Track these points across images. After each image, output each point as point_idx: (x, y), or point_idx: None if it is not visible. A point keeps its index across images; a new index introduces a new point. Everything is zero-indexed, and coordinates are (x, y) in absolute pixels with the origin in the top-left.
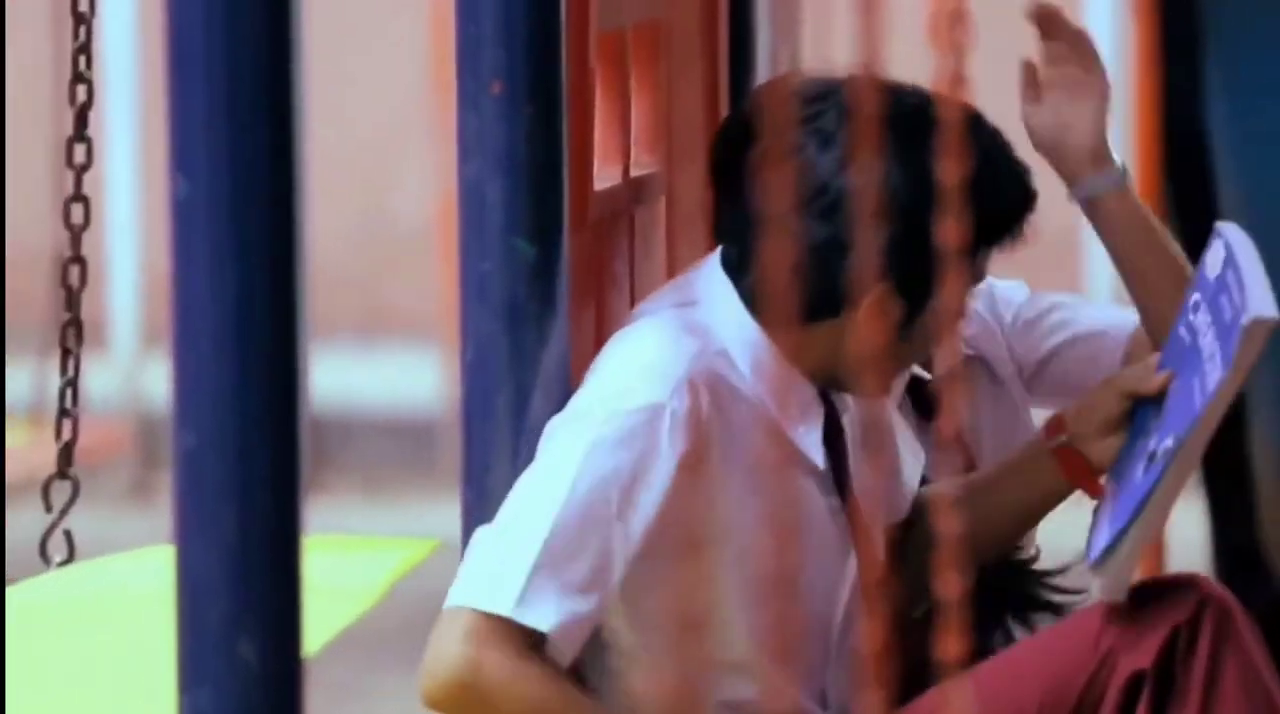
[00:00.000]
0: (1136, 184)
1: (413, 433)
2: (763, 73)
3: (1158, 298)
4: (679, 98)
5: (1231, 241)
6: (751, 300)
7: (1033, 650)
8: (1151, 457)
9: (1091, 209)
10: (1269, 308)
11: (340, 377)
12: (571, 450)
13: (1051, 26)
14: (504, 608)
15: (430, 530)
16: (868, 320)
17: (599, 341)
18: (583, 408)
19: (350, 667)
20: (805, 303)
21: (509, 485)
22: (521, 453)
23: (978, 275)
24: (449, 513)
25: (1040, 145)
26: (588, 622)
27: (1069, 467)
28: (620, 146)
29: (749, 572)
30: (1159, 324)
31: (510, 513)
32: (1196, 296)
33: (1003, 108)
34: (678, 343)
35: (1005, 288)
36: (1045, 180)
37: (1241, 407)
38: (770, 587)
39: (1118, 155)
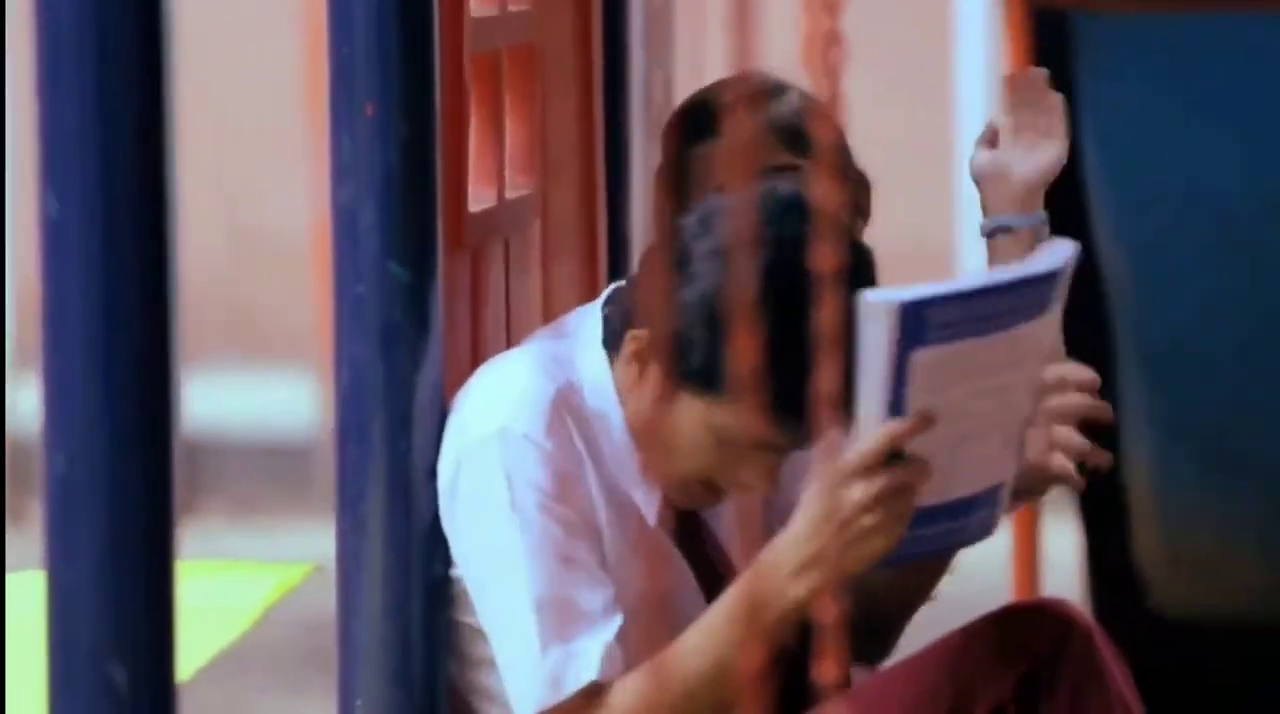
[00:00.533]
0: None
1: (288, 456)
2: (637, 94)
3: None
4: (554, 119)
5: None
6: (610, 346)
7: (897, 679)
8: None
9: (993, 245)
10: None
11: (214, 400)
12: (488, 510)
13: (1028, 92)
14: (550, 697)
15: (306, 555)
16: (626, 367)
17: (474, 364)
18: (460, 454)
19: (226, 690)
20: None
21: (384, 509)
22: (397, 478)
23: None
24: (325, 537)
25: (976, 173)
26: (617, 631)
27: None
28: (495, 168)
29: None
30: None
31: (492, 608)
32: None
33: (879, 123)
34: (543, 370)
35: None
36: (925, 196)
37: (1115, 430)
38: (633, 615)
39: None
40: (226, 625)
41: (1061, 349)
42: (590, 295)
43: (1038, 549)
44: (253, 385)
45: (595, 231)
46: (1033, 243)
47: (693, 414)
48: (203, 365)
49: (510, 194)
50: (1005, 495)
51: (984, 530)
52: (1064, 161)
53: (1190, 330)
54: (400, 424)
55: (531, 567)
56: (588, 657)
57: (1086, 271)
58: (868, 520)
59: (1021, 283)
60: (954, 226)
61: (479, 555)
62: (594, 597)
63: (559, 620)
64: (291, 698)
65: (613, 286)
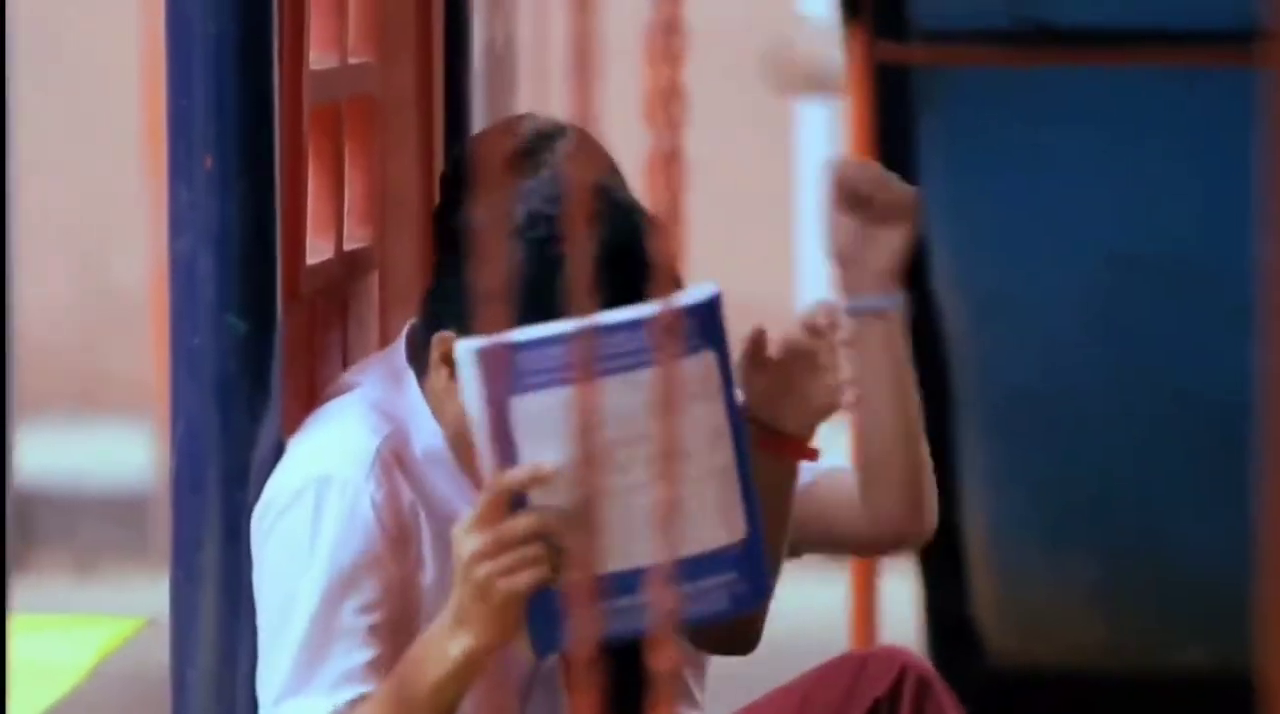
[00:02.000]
0: None
1: (125, 510)
2: None
3: (877, 429)
4: (393, 171)
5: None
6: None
7: None
8: None
9: (858, 326)
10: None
11: (51, 452)
12: (283, 552)
13: (867, 184)
14: None
15: (144, 609)
16: (436, 372)
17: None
18: (276, 496)
19: None
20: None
21: (219, 561)
22: (233, 530)
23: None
24: (164, 591)
25: (836, 253)
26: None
27: (779, 447)
28: (334, 220)
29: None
30: (869, 450)
31: (263, 635)
32: None
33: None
34: (369, 423)
35: None
36: (765, 248)
37: (953, 484)
38: None
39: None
40: (55, 680)
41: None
42: None
43: (875, 602)
44: (92, 438)
45: None
46: (896, 324)
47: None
48: (42, 418)
49: (349, 246)
50: (749, 564)
51: (724, 603)
52: (912, 244)
53: (1028, 384)
54: (236, 476)
55: (307, 610)
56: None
57: (926, 321)
58: (482, 569)
59: (633, 324)
60: (793, 276)
61: (267, 587)
62: (350, 658)
63: (304, 674)
64: None
65: (406, 327)
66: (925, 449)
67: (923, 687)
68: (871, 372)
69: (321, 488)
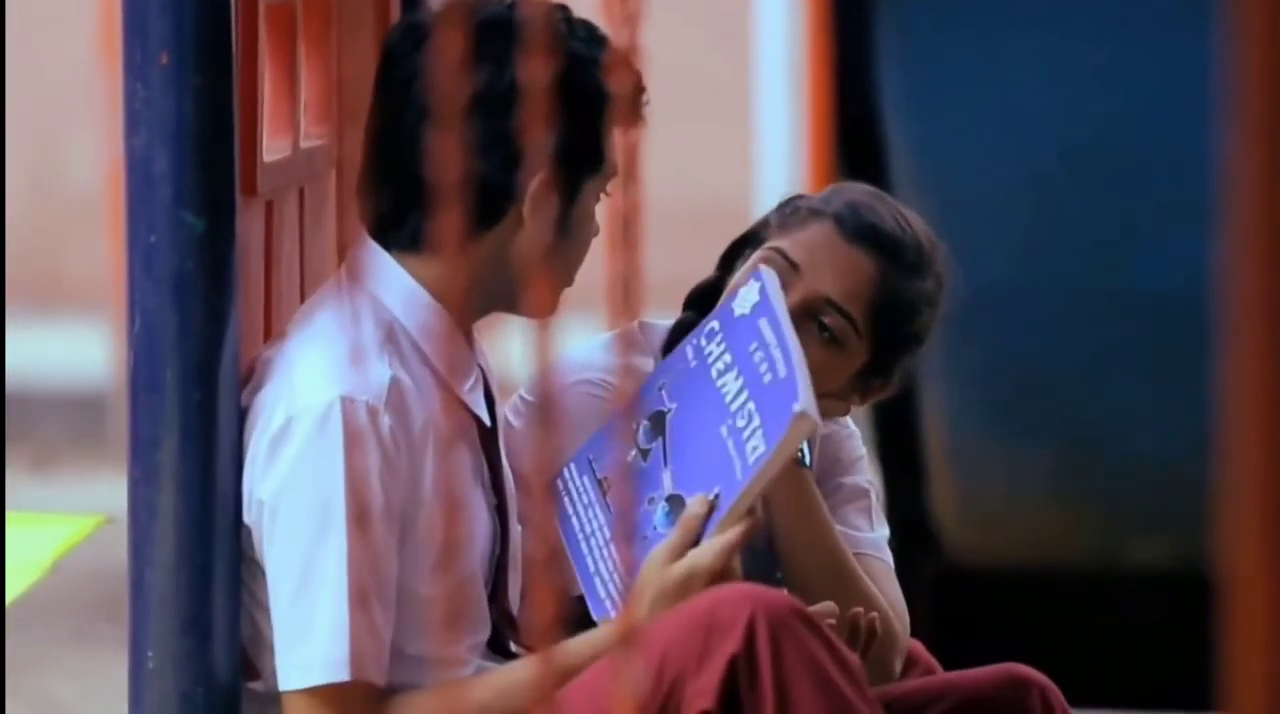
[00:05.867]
0: (809, 149)
1: (82, 407)
2: None
3: (804, 574)
4: (349, 70)
5: (770, 294)
6: (411, 249)
7: (606, 673)
8: (671, 502)
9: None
10: (810, 402)
11: (12, 350)
12: (312, 468)
13: None
14: (343, 673)
15: (101, 505)
16: (534, 213)
17: (268, 315)
18: (301, 413)
19: (14, 643)
20: (469, 213)
21: (176, 458)
22: (190, 429)
23: (613, 164)
24: (121, 489)
25: None
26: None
27: None
28: (289, 119)
29: (430, 540)
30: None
31: (291, 576)
32: (715, 325)
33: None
34: (343, 353)
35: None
36: (723, 141)
37: (910, 384)
38: (447, 553)
39: (790, 124)
40: (13, 578)
41: None
42: None
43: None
44: (47, 336)
45: None
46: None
47: (587, 201)
48: None
49: (305, 144)
50: None
51: None
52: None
53: (989, 283)
54: (194, 373)
55: (353, 542)
56: (380, 659)
57: None
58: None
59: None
60: (753, 170)
61: (298, 510)
62: (390, 575)
63: (369, 606)
64: (82, 650)
65: (370, 223)
66: (866, 586)
67: (778, 627)
68: (785, 524)
69: (348, 406)
